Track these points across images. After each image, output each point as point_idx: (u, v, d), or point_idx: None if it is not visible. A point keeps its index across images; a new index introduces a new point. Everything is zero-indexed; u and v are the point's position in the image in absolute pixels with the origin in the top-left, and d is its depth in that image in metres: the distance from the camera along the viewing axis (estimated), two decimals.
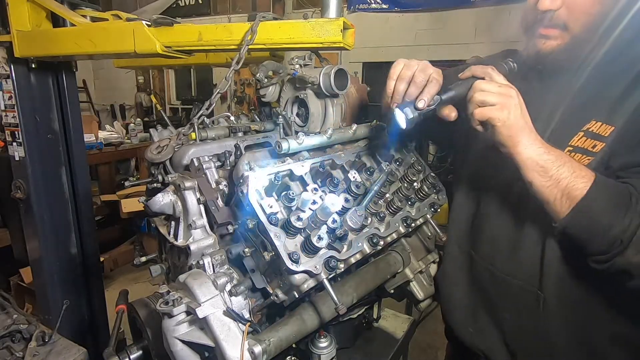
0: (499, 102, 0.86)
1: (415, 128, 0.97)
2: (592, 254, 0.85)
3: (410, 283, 1.31)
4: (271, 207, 0.85)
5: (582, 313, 0.97)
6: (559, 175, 0.84)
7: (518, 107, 0.86)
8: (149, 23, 1.24)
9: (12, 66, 1.59)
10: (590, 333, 0.98)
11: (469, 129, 0.93)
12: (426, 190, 1.16)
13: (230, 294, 0.88)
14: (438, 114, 0.96)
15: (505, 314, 1.09)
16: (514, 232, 1.05)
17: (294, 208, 0.86)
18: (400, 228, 1.07)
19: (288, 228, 0.83)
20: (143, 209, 1.04)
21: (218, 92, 1.16)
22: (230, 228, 0.96)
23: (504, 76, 0.93)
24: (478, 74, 0.93)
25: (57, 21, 1.56)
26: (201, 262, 0.90)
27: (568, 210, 0.84)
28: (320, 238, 0.82)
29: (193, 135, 1.14)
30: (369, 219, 0.96)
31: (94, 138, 4.49)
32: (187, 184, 0.96)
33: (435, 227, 1.20)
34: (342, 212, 0.89)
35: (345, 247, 0.90)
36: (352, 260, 0.94)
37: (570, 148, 0.94)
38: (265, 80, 1.30)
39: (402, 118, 0.92)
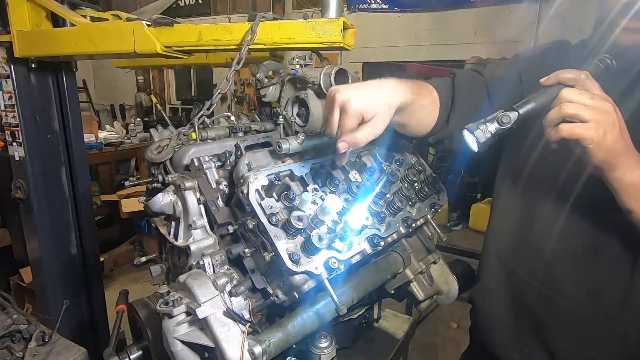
0: (593, 119, 0.70)
1: None
2: None
3: (411, 283, 1.31)
4: (271, 207, 0.85)
5: None
6: None
7: (617, 125, 0.72)
8: (149, 23, 1.24)
9: (12, 66, 1.59)
10: None
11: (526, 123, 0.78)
12: (427, 190, 1.16)
13: (231, 294, 0.88)
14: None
15: (561, 342, 0.97)
16: (583, 254, 0.91)
17: (294, 209, 0.85)
18: (401, 228, 1.07)
19: (288, 228, 0.83)
20: (143, 209, 1.03)
21: (219, 93, 1.16)
22: (231, 228, 0.96)
23: (596, 80, 0.76)
24: (566, 81, 0.76)
25: (57, 21, 1.56)
26: (201, 263, 0.90)
27: None
28: (320, 238, 0.82)
29: (193, 135, 1.14)
30: (370, 219, 0.96)
31: (94, 138, 4.49)
32: (187, 184, 0.96)
33: (436, 227, 1.20)
34: (343, 212, 0.89)
35: (346, 247, 0.90)
36: (353, 260, 0.94)
37: None
38: (266, 80, 1.30)
39: (473, 141, 0.80)
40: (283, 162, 0.98)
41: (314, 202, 0.86)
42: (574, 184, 0.87)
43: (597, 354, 0.93)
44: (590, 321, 0.92)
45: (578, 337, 0.95)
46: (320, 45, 1.10)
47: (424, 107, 1.00)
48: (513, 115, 0.78)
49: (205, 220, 0.98)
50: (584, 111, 0.71)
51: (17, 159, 1.69)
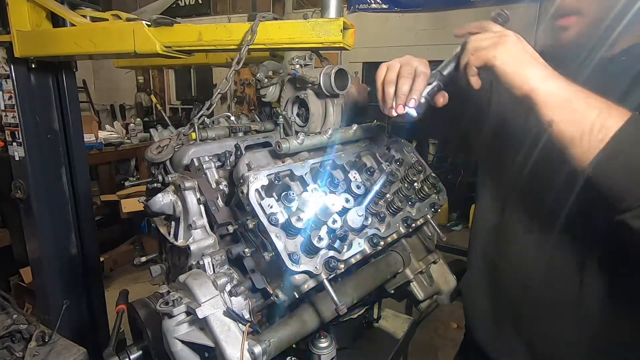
0: (492, 42, 0.78)
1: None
2: (629, 207, 0.67)
3: (411, 283, 1.31)
4: (271, 207, 0.85)
5: (627, 329, 0.90)
6: (586, 106, 0.70)
7: (517, 42, 0.77)
8: (149, 23, 1.24)
9: (12, 66, 1.59)
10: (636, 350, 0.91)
11: (495, 125, 0.86)
12: (426, 190, 1.16)
13: (231, 294, 0.88)
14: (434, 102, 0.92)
15: (535, 327, 1.02)
16: (544, 240, 0.97)
17: (294, 208, 0.85)
18: (401, 228, 1.07)
19: (288, 228, 0.83)
20: (143, 209, 1.04)
21: (219, 93, 1.16)
22: (231, 228, 0.95)
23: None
24: (472, 29, 0.85)
25: (57, 21, 1.56)
26: (201, 263, 0.90)
27: (600, 145, 0.67)
28: (320, 238, 0.82)
29: (193, 135, 1.14)
30: (369, 219, 0.96)
31: (94, 138, 4.49)
32: (187, 184, 0.96)
33: (436, 227, 1.20)
34: (343, 212, 0.89)
35: (346, 247, 0.90)
36: (353, 260, 0.94)
37: None
38: (266, 80, 1.30)
39: (409, 110, 0.88)
40: (283, 162, 0.98)
41: (314, 202, 0.86)
42: (537, 178, 0.95)
43: (567, 338, 0.97)
44: (558, 306, 0.97)
45: (549, 323, 1.00)
46: (320, 45, 1.10)
47: None
48: (435, 74, 0.89)
49: (205, 220, 0.98)
50: (484, 41, 0.79)
51: (17, 159, 1.69)
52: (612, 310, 0.90)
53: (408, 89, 0.88)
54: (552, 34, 0.95)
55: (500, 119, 1.07)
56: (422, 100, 0.87)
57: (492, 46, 0.78)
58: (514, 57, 0.76)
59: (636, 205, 0.67)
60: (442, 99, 0.92)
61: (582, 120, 0.70)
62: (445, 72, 0.89)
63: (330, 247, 0.86)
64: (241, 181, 0.87)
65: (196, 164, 1.04)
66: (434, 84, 0.88)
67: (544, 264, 0.98)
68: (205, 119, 1.18)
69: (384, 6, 6.79)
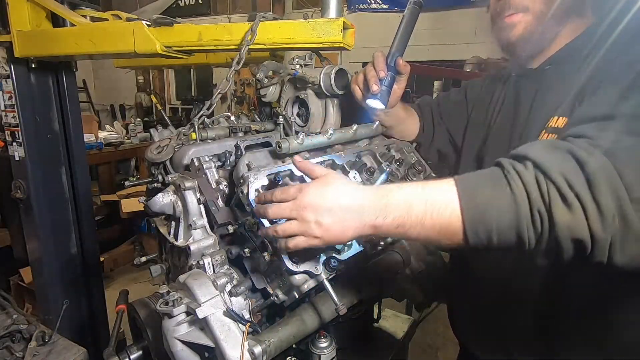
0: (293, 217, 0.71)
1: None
2: (525, 249, 0.63)
3: (411, 283, 1.31)
4: None
5: (592, 322, 0.93)
6: (410, 209, 0.65)
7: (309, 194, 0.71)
8: (149, 23, 1.24)
9: (12, 66, 1.59)
10: (588, 330, 0.94)
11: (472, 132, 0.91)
12: None
13: (231, 294, 0.88)
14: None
15: (502, 322, 1.07)
16: None
17: None
18: None
19: None
20: (143, 209, 1.04)
21: (219, 93, 1.16)
22: (231, 228, 0.96)
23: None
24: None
25: (57, 21, 1.56)
26: (201, 263, 0.90)
27: (460, 224, 0.63)
28: None
29: (193, 135, 1.14)
30: None
31: (94, 138, 4.49)
32: (188, 184, 0.96)
33: None
34: None
35: (346, 247, 0.90)
36: (353, 260, 0.94)
37: None
38: (266, 80, 1.30)
39: (377, 103, 1.09)
40: (283, 162, 0.98)
41: None
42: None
43: (527, 329, 1.00)
44: (515, 297, 1.00)
45: (512, 314, 1.03)
46: (320, 45, 1.10)
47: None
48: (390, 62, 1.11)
49: (205, 220, 0.98)
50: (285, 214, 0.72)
51: (17, 159, 1.69)
52: (573, 301, 0.93)
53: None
54: (499, 33, 1.02)
55: (476, 128, 1.19)
56: (384, 88, 1.08)
57: (306, 229, 0.70)
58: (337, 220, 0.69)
59: (526, 244, 0.62)
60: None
61: (418, 226, 0.66)
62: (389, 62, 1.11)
63: (330, 247, 0.86)
64: (241, 181, 0.87)
65: (196, 164, 1.04)
66: (388, 75, 1.10)
67: (509, 261, 1.02)
68: (205, 119, 1.18)
69: (384, 6, 6.81)
